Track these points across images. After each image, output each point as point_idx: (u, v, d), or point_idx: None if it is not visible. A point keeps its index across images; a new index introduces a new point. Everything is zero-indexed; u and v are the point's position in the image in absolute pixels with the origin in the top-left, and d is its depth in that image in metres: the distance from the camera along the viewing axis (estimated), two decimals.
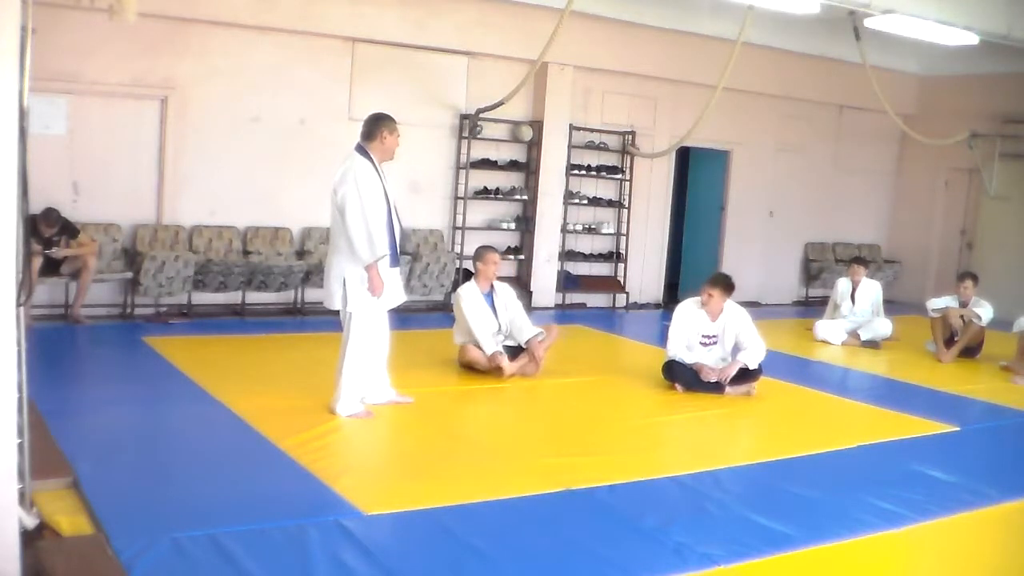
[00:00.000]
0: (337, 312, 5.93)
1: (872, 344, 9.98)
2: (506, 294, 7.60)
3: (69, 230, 8.36)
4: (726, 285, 7.36)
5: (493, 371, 7.31)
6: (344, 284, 5.73)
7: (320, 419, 5.83)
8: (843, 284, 10.45)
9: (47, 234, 8.14)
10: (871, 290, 10.28)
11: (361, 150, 5.80)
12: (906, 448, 6.18)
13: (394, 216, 5.85)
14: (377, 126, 5.82)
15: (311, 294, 9.51)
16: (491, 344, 7.32)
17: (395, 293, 6.02)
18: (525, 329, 7.44)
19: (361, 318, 5.80)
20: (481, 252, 7.63)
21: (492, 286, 7.54)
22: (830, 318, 10.41)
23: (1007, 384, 8.46)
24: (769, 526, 4.49)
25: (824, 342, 10.10)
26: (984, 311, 9.24)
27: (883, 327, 10.11)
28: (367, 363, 5.94)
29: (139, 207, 9.24)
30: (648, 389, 7.37)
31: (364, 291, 5.74)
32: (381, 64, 10.21)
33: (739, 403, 7.14)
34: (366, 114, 6.03)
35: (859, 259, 10.64)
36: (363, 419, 5.88)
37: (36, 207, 7.91)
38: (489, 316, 7.44)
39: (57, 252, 8.21)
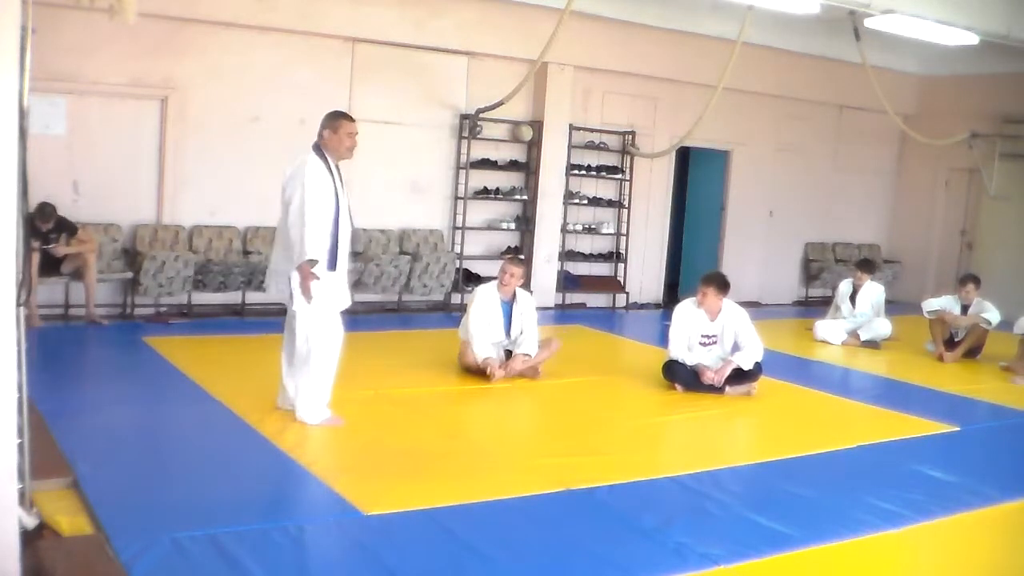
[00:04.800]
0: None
1: (872, 344, 9.98)
2: (526, 306, 7.46)
3: (68, 227, 8.36)
4: (720, 284, 7.36)
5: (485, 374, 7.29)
6: (290, 281, 5.55)
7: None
8: (845, 286, 10.45)
9: (43, 229, 8.13)
10: (873, 292, 10.26)
11: (316, 148, 5.61)
12: (906, 448, 6.18)
13: (344, 218, 5.59)
14: (323, 124, 5.64)
15: None
16: (484, 349, 7.26)
17: (340, 297, 5.72)
18: (524, 344, 7.35)
19: (323, 318, 5.60)
20: (503, 264, 7.50)
21: (515, 295, 7.45)
22: (832, 319, 10.41)
23: (1007, 384, 8.46)
24: (769, 526, 4.49)
25: (824, 342, 10.10)
26: (992, 315, 9.24)
27: (883, 327, 10.10)
28: (332, 366, 5.72)
29: (139, 207, 9.25)
30: (648, 389, 7.37)
31: (317, 289, 5.54)
32: (381, 64, 10.22)
33: (739, 403, 7.14)
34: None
35: (864, 263, 10.63)
36: (333, 426, 5.68)
37: (35, 205, 7.92)
38: (496, 323, 7.38)
39: (58, 249, 8.21)
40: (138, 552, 3.70)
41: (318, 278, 5.47)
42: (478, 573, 3.82)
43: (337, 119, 5.66)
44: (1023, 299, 10.59)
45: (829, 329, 10.18)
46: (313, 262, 5.43)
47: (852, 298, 10.26)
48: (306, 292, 5.49)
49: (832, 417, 7.05)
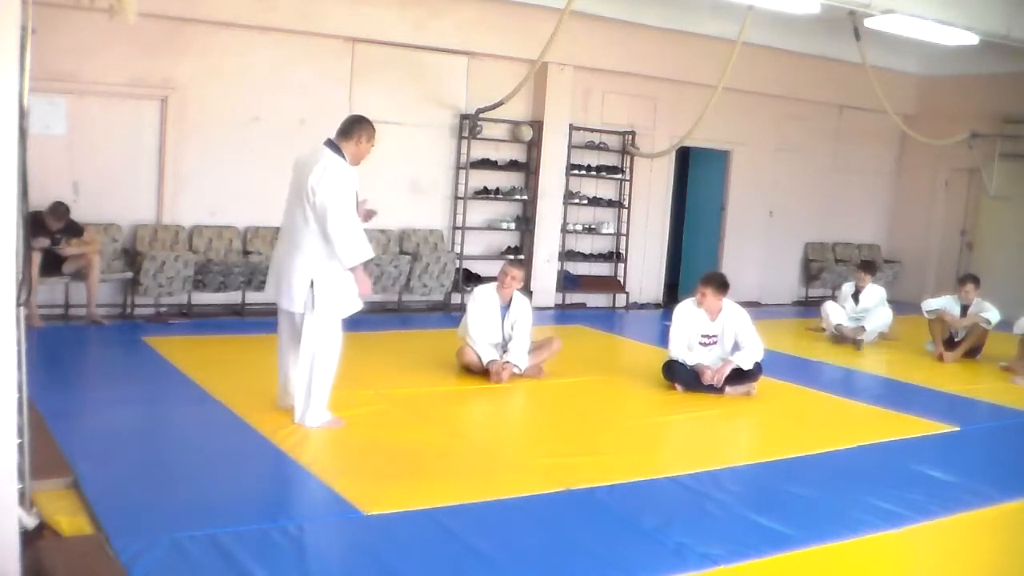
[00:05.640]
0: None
1: (856, 341, 9.86)
2: (519, 313, 7.37)
3: (74, 230, 8.36)
4: (718, 284, 7.36)
5: (487, 374, 7.26)
6: (312, 286, 5.49)
7: None
8: (847, 287, 10.50)
9: (53, 228, 8.14)
10: (875, 295, 10.26)
11: (335, 148, 5.58)
12: (906, 448, 6.18)
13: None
14: (357, 128, 5.62)
15: None
16: (486, 352, 7.26)
17: (354, 300, 5.71)
18: (514, 352, 7.25)
19: (331, 323, 5.59)
20: (503, 267, 7.45)
21: (511, 300, 7.42)
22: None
23: (1007, 384, 8.46)
24: (769, 526, 4.49)
25: (828, 318, 10.13)
26: (992, 315, 9.23)
27: (884, 316, 10.09)
28: (334, 370, 5.71)
29: (139, 207, 9.24)
30: (648, 389, 7.37)
31: (334, 295, 5.52)
32: (381, 64, 10.22)
33: (739, 403, 7.14)
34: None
35: (866, 264, 10.64)
36: (333, 428, 5.67)
37: (37, 207, 7.92)
38: (493, 327, 7.36)
39: (64, 249, 8.22)
40: (138, 552, 3.70)
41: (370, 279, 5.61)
42: (478, 573, 3.82)
43: (372, 127, 5.68)
44: (1023, 299, 10.58)
45: (836, 309, 10.21)
46: (368, 261, 5.52)
47: (856, 297, 10.27)
48: (366, 287, 5.59)
49: (832, 417, 7.06)
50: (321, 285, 5.50)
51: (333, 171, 5.44)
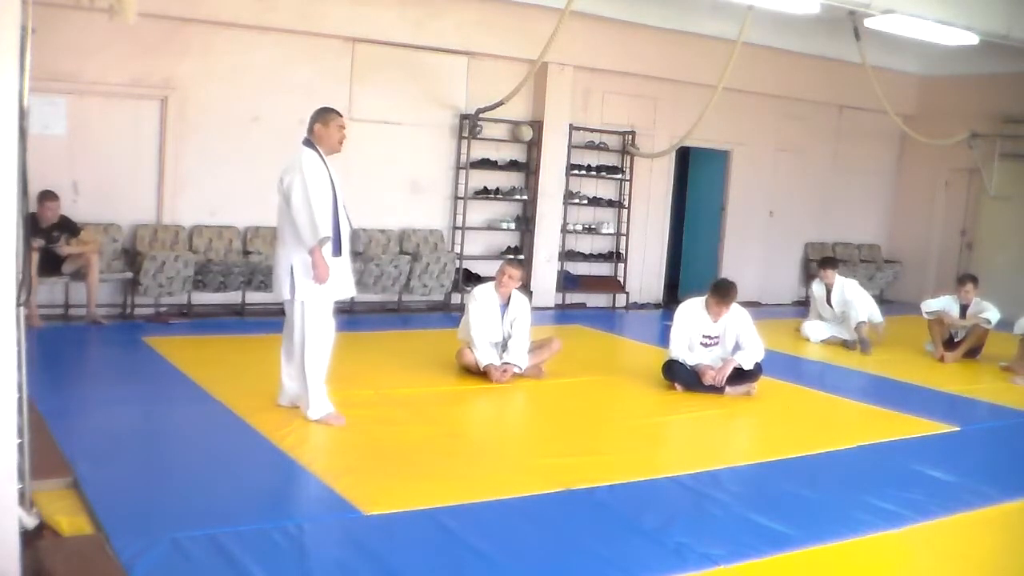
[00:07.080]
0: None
1: (850, 344, 9.83)
2: (518, 311, 7.36)
3: (70, 228, 8.36)
4: (735, 293, 7.32)
5: (486, 375, 7.25)
6: (292, 273, 5.64)
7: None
8: (818, 289, 10.27)
9: (46, 223, 8.13)
10: (848, 288, 10.01)
11: (307, 142, 5.74)
12: (906, 448, 6.17)
13: (341, 210, 5.71)
14: (320, 118, 5.75)
15: None
16: (485, 354, 7.24)
17: (344, 285, 5.82)
18: (514, 351, 7.25)
19: (314, 308, 5.67)
20: (501, 266, 7.46)
21: (509, 298, 7.42)
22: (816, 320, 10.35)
23: (1007, 384, 8.46)
24: (769, 526, 4.49)
25: (808, 339, 10.07)
26: (992, 315, 9.22)
27: (869, 303, 9.96)
28: (327, 356, 5.78)
29: (139, 207, 9.25)
30: (648, 389, 7.37)
31: (313, 280, 5.61)
32: (381, 64, 10.22)
33: (739, 403, 7.14)
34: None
35: (827, 261, 10.44)
36: (334, 425, 5.69)
37: (35, 205, 7.93)
38: (494, 326, 7.36)
39: (62, 248, 8.22)
40: (138, 552, 3.70)
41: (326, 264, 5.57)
42: (478, 573, 3.82)
43: (327, 113, 5.79)
44: (1023, 299, 10.58)
45: (814, 328, 10.14)
46: (325, 240, 5.51)
47: (828, 300, 10.11)
48: (321, 273, 5.53)
49: (832, 417, 7.06)
50: (300, 270, 5.62)
51: (299, 160, 5.62)
